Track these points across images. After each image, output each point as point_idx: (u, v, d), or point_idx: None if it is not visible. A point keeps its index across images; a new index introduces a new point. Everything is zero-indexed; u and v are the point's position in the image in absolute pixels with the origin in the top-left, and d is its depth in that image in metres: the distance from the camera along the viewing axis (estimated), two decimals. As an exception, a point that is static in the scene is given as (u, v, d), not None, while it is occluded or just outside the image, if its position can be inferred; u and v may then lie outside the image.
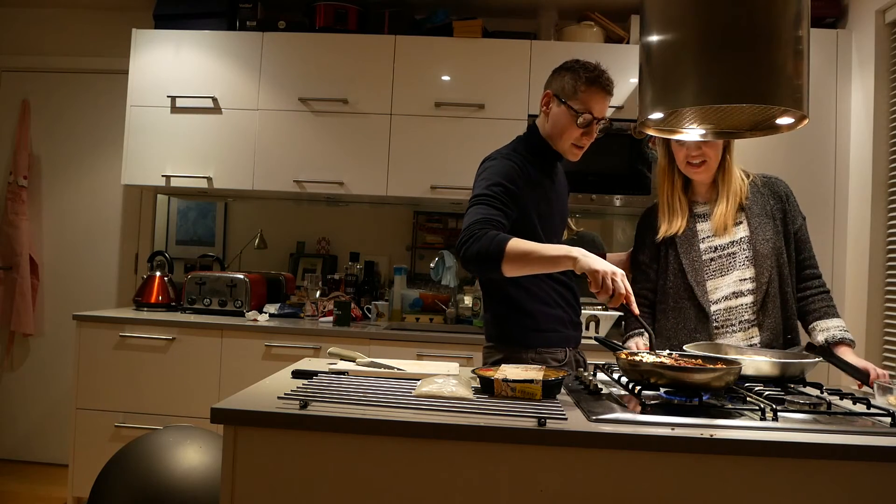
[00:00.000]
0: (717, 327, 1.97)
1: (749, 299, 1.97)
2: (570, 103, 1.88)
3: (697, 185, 2.08)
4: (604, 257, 3.66)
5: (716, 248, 2.01)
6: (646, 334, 2.02)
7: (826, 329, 1.96)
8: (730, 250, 2.00)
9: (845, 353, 1.88)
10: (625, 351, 1.69)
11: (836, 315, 1.99)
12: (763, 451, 1.28)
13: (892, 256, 2.86)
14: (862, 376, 1.78)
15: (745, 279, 1.98)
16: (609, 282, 1.58)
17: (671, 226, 2.04)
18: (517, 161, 1.89)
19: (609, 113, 3.17)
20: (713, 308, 1.98)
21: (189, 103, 3.41)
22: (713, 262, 2.00)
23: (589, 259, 1.62)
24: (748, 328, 1.97)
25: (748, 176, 2.06)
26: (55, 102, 3.97)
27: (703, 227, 2.04)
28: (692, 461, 1.29)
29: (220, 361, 3.06)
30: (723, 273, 1.99)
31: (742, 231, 2.01)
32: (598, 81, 1.87)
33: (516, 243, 1.65)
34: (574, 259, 1.62)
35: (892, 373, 2.78)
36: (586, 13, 3.48)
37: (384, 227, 3.84)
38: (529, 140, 1.99)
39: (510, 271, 1.67)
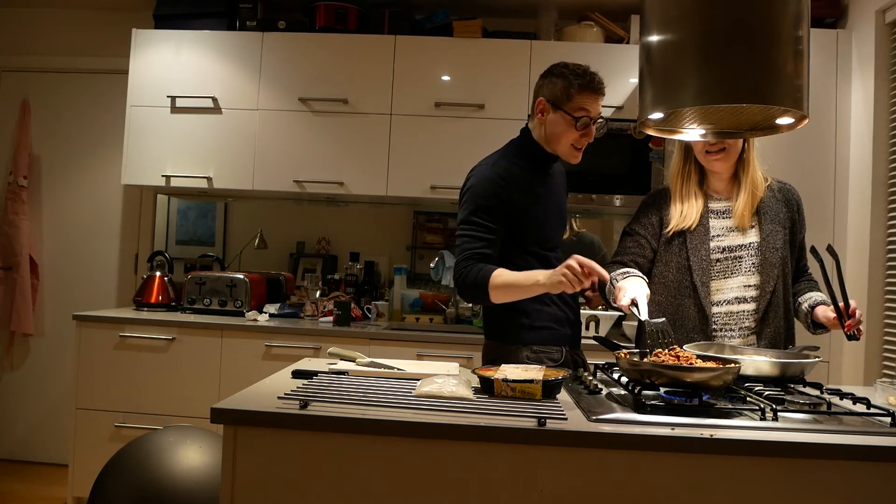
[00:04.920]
0: (715, 330, 1.96)
1: (751, 306, 1.96)
2: (565, 108, 1.89)
3: (714, 179, 2.03)
4: (604, 259, 3.68)
5: (724, 249, 1.99)
6: (628, 272, 1.94)
7: (809, 298, 2.01)
8: (737, 253, 1.98)
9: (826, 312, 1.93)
10: (624, 351, 1.69)
11: (818, 290, 2.05)
12: (763, 451, 1.28)
13: (892, 256, 2.86)
14: (845, 305, 1.78)
15: (749, 285, 1.96)
16: (572, 275, 1.66)
17: (684, 219, 1.99)
18: (502, 170, 1.91)
19: (609, 113, 3.22)
20: (714, 310, 1.97)
21: (189, 103, 3.41)
22: (718, 263, 1.98)
23: (551, 276, 1.71)
24: (748, 335, 1.96)
25: (766, 179, 2.04)
26: (55, 102, 3.96)
27: (715, 225, 2.00)
28: (692, 461, 1.29)
29: (220, 361, 3.05)
30: (726, 276, 1.98)
31: (753, 236, 1.99)
32: (591, 86, 1.89)
33: (496, 279, 1.79)
34: (542, 284, 1.73)
35: (893, 373, 2.78)
36: (586, 13, 3.48)
37: (384, 227, 3.84)
38: (522, 144, 2.00)
39: (500, 300, 1.83)
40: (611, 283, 1.91)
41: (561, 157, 1.97)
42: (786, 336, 1.99)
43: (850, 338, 1.78)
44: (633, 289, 1.81)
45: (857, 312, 1.78)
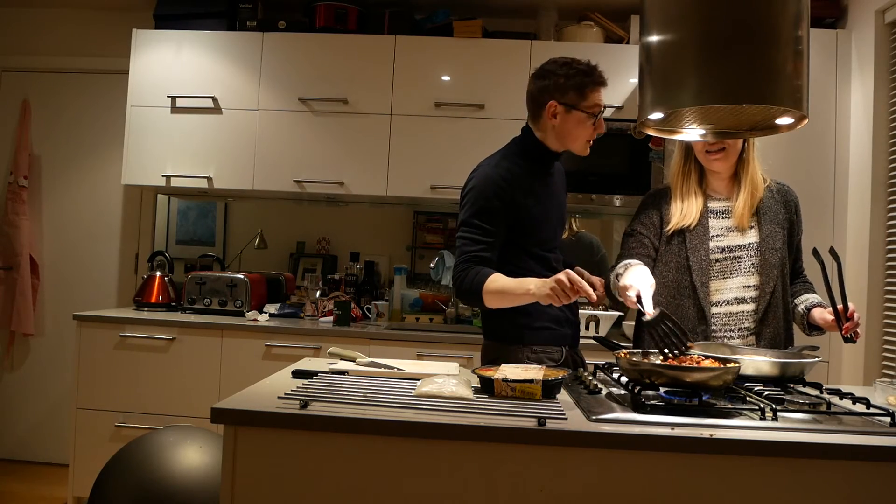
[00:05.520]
0: (714, 330, 1.96)
1: (751, 307, 1.96)
2: (581, 108, 1.89)
3: (714, 179, 2.03)
4: (603, 260, 3.67)
5: (723, 249, 1.98)
6: (631, 263, 1.90)
7: (806, 299, 2.01)
8: (736, 254, 1.97)
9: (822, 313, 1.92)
10: (624, 351, 1.69)
11: (814, 292, 2.06)
12: (763, 451, 1.28)
13: (891, 256, 2.86)
14: (844, 308, 1.77)
15: (748, 286, 1.96)
16: (560, 290, 1.65)
17: (684, 217, 1.98)
18: (505, 172, 1.91)
19: (609, 113, 3.21)
20: (713, 310, 1.97)
21: (189, 103, 3.41)
22: (717, 263, 1.98)
23: (541, 288, 1.70)
24: (747, 336, 1.96)
25: (765, 180, 2.03)
26: (55, 102, 3.96)
27: (714, 225, 2.00)
28: (692, 461, 1.29)
29: (220, 361, 3.06)
30: (725, 276, 1.97)
31: (752, 236, 1.98)
32: (601, 81, 1.92)
33: (490, 284, 1.80)
34: (532, 294, 1.73)
35: (893, 373, 2.78)
36: (586, 13, 3.48)
37: (384, 227, 3.84)
38: (524, 144, 2.00)
39: (494, 306, 1.84)
40: (614, 278, 1.88)
41: (575, 153, 1.97)
42: (785, 337, 1.99)
43: (847, 340, 1.78)
44: (636, 282, 1.74)
45: (856, 315, 1.78)
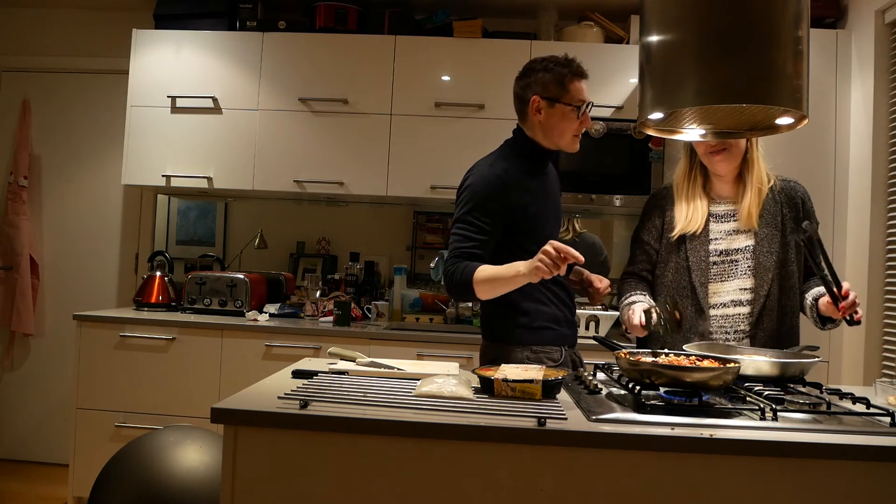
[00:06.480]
0: (711, 332, 1.97)
1: (746, 310, 1.96)
2: (564, 101, 1.91)
3: (719, 182, 2.04)
4: (605, 261, 3.68)
5: (721, 253, 1.99)
6: (641, 296, 2.05)
7: (814, 291, 1.99)
8: (733, 257, 1.98)
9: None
10: (624, 351, 1.69)
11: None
12: (763, 451, 1.28)
13: (891, 256, 2.86)
14: (837, 286, 1.75)
15: (745, 289, 1.97)
16: (549, 260, 1.65)
17: (689, 223, 2.00)
18: (501, 171, 1.92)
19: (609, 113, 3.22)
20: (711, 312, 1.97)
21: (189, 103, 3.41)
22: (715, 266, 1.98)
23: (530, 265, 1.70)
24: (742, 339, 1.96)
25: (770, 179, 2.03)
26: (55, 102, 3.96)
27: (714, 228, 2.01)
28: (692, 461, 1.29)
29: (220, 361, 3.05)
30: (723, 279, 1.98)
31: (749, 239, 1.99)
32: (581, 73, 1.94)
33: (480, 273, 1.80)
34: (523, 274, 1.73)
35: (893, 373, 2.78)
36: (586, 13, 3.48)
37: (384, 227, 3.84)
38: (518, 144, 2.01)
39: (486, 296, 1.84)
40: (621, 309, 2.03)
41: (563, 149, 1.99)
42: (780, 337, 1.97)
43: (850, 322, 1.76)
44: (638, 308, 1.92)
45: (851, 294, 1.75)
